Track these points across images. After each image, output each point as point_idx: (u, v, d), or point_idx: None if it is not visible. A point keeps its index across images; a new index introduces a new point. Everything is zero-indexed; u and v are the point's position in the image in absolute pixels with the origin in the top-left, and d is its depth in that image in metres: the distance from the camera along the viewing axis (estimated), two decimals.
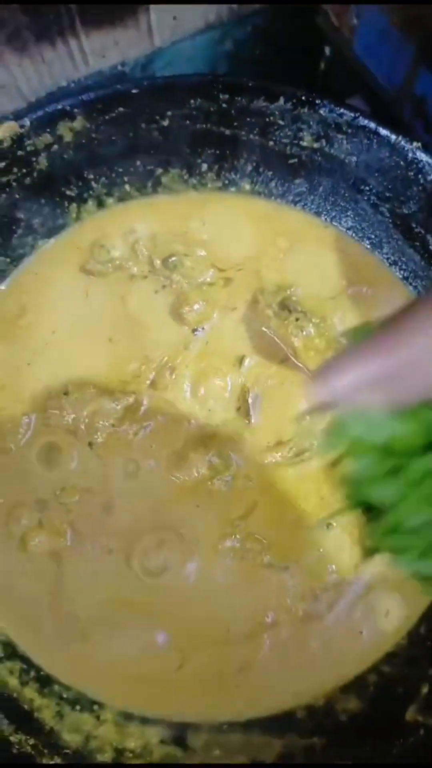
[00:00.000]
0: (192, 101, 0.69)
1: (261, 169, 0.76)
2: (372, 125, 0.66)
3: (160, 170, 0.77)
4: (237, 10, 0.89)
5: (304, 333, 0.70)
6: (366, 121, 0.66)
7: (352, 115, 0.66)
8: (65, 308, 0.75)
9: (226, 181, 0.78)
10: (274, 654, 0.67)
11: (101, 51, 0.83)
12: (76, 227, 0.77)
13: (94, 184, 0.76)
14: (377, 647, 0.67)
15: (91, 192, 0.76)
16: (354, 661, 0.67)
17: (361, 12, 0.86)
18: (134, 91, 0.67)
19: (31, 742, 0.63)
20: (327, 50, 0.99)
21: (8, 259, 0.75)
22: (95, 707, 0.67)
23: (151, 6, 0.82)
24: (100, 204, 0.78)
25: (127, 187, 0.77)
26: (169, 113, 0.71)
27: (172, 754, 0.65)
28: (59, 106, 0.67)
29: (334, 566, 0.69)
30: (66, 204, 0.76)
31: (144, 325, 0.75)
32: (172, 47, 0.88)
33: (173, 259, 0.75)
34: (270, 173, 0.75)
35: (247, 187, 0.78)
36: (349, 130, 0.68)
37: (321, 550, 0.69)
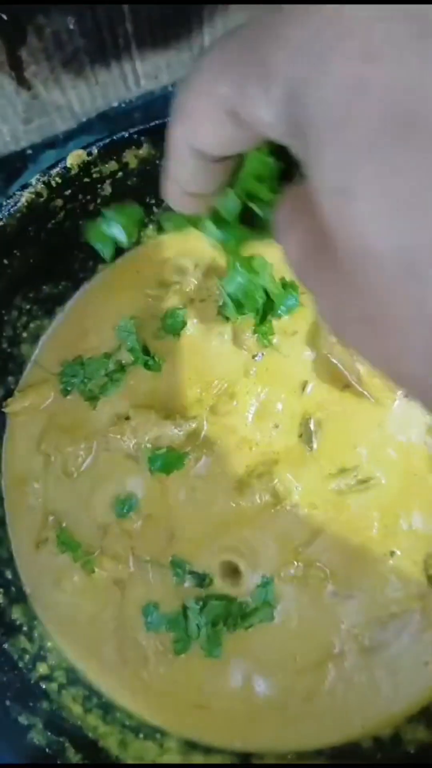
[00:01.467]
0: None
1: None
2: None
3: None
4: None
5: None
6: None
7: None
8: None
9: None
10: (339, 683, 0.67)
11: (154, 72, 0.84)
12: (137, 251, 0.77)
13: (155, 209, 0.76)
14: None
15: (151, 217, 0.76)
16: (420, 691, 0.67)
17: None
18: None
19: None
20: None
21: (70, 283, 0.76)
22: (158, 735, 0.67)
23: (206, 28, 0.82)
24: (161, 229, 0.78)
25: None
26: None
27: None
28: (126, 134, 0.67)
29: (399, 594, 0.68)
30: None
31: (204, 349, 0.75)
32: None
33: None
34: None
35: None
36: None
37: (386, 578, 0.68)
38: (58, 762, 0.62)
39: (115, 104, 0.84)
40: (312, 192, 0.24)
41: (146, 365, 0.72)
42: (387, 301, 0.23)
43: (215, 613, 0.67)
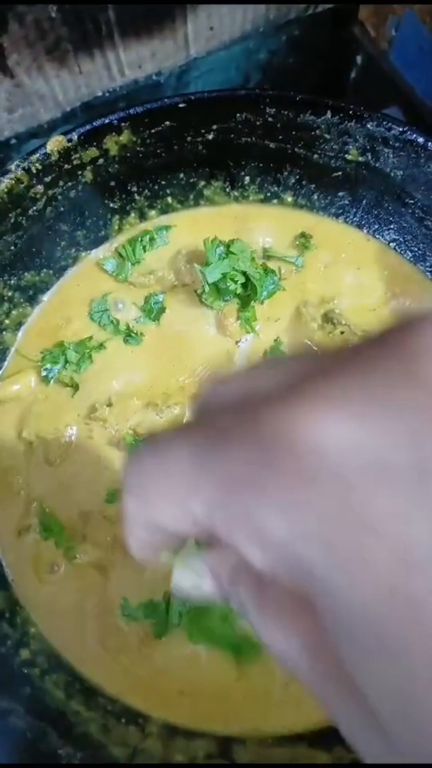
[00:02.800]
0: (238, 115, 0.69)
1: (304, 182, 0.76)
2: (421, 140, 0.66)
3: (202, 183, 0.77)
4: (273, 19, 0.90)
5: None
6: (415, 136, 0.66)
7: (401, 129, 0.66)
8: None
9: (269, 194, 0.78)
10: None
11: (138, 62, 0.84)
12: (119, 239, 0.77)
13: (137, 197, 0.76)
14: None
15: (133, 204, 0.76)
16: None
17: (399, 23, 0.86)
18: (182, 105, 0.67)
19: (79, 755, 0.63)
20: (359, 60, 0.99)
21: (51, 271, 0.76)
22: (140, 720, 0.67)
23: (189, 17, 0.82)
24: (142, 216, 0.78)
25: (169, 199, 0.77)
26: (214, 127, 0.71)
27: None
28: (106, 120, 0.67)
29: None
30: (109, 216, 0.76)
31: (187, 336, 0.75)
32: (207, 57, 0.89)
33: None
34: (313, 186, 0.76)
35: (290, 199, 0.78)
36: (397, 144, 0.68)
37: None
38: (39, 747, 0.62)
39: (99, 94, 0.84)
40: (332, 639, 0.22)
41: (126, 339, 0.73)
42: None
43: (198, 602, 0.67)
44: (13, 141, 0.84)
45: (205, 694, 0.67)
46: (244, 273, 0.68)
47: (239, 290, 0.70)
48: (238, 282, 0.69)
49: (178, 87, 0.89)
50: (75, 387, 0.72)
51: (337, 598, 0.21)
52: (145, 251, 0.77)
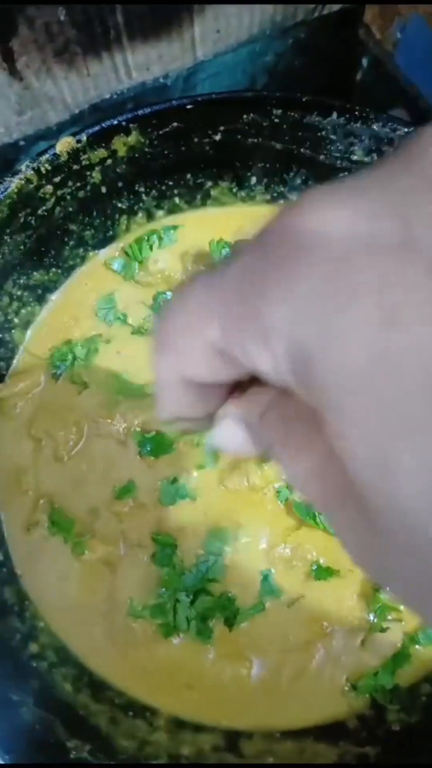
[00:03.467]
0: (245, 116, 0.70)
1: (310, 183, 0.77)
2: None
3: (209, 183, 0.78)
4: (279, 22, 0.91)
5: None
6: None
7: (406, 129, 0.67)
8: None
9: (275, 194, 0.79)
10: (327, 663, 0.68)
11: (145, 64, 0.85)
12: (126, 239, 0.78)
13: (144, 197, 0.77)
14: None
15: (141, 204, 0.77)
16: (407, 670, 0.67)
17: (405, 25, 0.87)
18: (189, 106, 0.68)
19: (87, 747, 0.64)
20: (364, 62, 1.00)
21: (60, 270, 0.77)
22: (148, 714, 0.68)
23: (196, 20, 0.83)
24: (150, 216, 0.79)
25: (176, 199, 0.78)
26: (221, 128, 0.72)
27: (226, 760, 0.66)
28: (115, 122, 0.68)
29: None
30: (117, 216, 0.77)
31: None
32: (214, 60, 0.90)
33: None
34: (319, 186, 0.76)
35: (296, 199, 0.78)
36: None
37: None
38: (48, 739, 0.63)
39: (107, 96, 0.85)
40: (330, 437, 0.22)
41: (133, 333, 0.73)
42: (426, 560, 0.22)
43: (205, 607, 0.68)
44: (22, 143, 0.85)
45: (213, 688, 0.68)
46: None
47: None
48: None
49: (185, 89, 0.90)
50: (83, 385, 0.73)
51: (333, 374, 0.21)
52: (152, 251, 0.78)
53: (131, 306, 0.76)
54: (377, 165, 0.23)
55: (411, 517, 0.21)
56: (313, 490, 0.26)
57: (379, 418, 0.20)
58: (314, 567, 0.69)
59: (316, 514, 0.69)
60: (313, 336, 0.21)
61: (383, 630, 0.67)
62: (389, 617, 0.67)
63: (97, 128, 0.68)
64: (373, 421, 0.21)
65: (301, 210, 0.23)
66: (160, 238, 0.78)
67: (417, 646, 0.67)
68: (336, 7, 0.93)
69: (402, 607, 0.68)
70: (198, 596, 0.67)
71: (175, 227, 0.79)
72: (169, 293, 0.76)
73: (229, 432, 0.30)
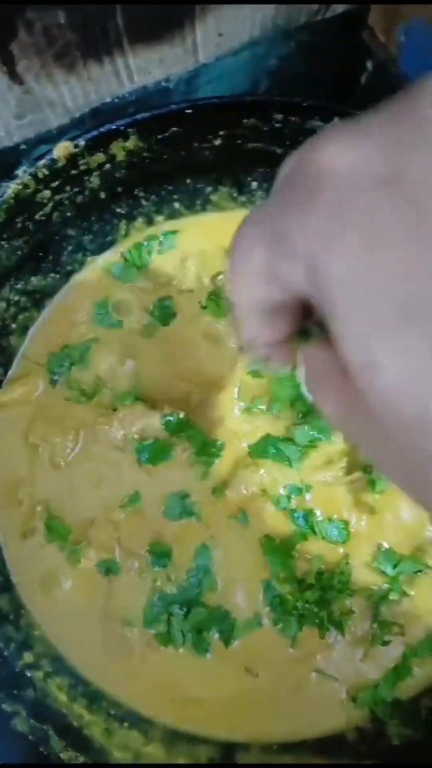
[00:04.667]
0: (246, 121, 0.70)
1: None
2: None
3: (209, 188, 0.77)
4: (282, 26, 0.90)
5: None
6: None
7: None
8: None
9: None
10: (327, 675, 0.67)
11: (147, 68, 0.84)
12: (125, 244, 0.78)
13: (144, 202, 0.76)
14: None
15: (140, 209, 0.77)
16: (408, 684, 0.66)
17: (409, 28, 0.86)
18: (188, 111, 0.67)
19: (81, 759, 0.63)
20: (369, 65, 0.99)
21: (58, 276, 0.76)
22: (143, 725, 0.67)
23: (198, 23, 0.82)
24: (149, 221, 0.78)
25: (176, 204, 0.78)
26: (222, 133, 0.71)
27: None
28: (113, 126, 0.68)
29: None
30: (116, 221, 0.77)
31: (193, 342, 0.75)
32: (216, 63, 0.89)
33: (221, 277, 0.76)
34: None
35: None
36: None
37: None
38: (41, 750, 0.62)
39: (108, 100, 0.84)
40: (340, 355, 0.28)
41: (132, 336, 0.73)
42: (421, 446, 0.27)
43: (200, 620, 0.67)
44: (23, 146, 0.84)
45: (210, 701, 0.67)
46: None
47: None
48: None
49: (187, 93, 0.89)
50: (81, 391, 0.73)
51: (330, 287, 0.27)
52: (151, 256, 0.77)
53: (130, 311, 0.76)
54: (382, 107, 0.28)
55: (396, 401, 0.26)
56: (335, 414, 0.33)
57: (361, 322, 0.26)
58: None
59: (315, 523, 0.68)
60: (318, 253, 0.27)
61: (385, 643, 0.66)
62: (391, 630, 0.66)
63: (95, 133, 0.67)
64: (357, 325, 0.26)
65: (315, 147, 0.28)
66: (160, 243, 0.77)
67: (417, 659, 0.66)
68: (339, 9, 0.92)
69: (403, 620, 0.67)
70: (191, 608, 0.66)
71: (174, 232, 0.78)
72: (170, 299, 0.75)
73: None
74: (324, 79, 1.03)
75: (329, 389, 0.32)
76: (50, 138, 0.84)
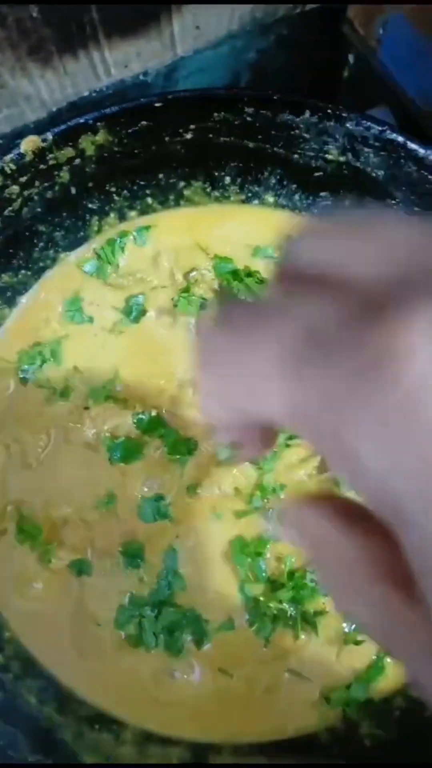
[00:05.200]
0: (216, 114, 0.69)
1: (285, 182, 0.75)
2: (400, 139, 0.65)
3: (182, 183, 0.76)
4: (260, 19, 0.89)
5: None
6: (394, 135, 0.65)
7: (379, 128, 0.65)
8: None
9: (249, 194, 0.77)
10: (301, 675, 0.66)
11: (124, 61, 0.83)
12: (98, 240, 0.77)
13: (116, 197, 0.75)
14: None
15: (112, 205, 0.76)
16: (381, 684, 0.66)
17: (387, 21, 0.85)
18: (158, 104, 0.66)
19: (50, 762, 0.62)
20: (351, 58, 0.98)
21: (29, 272, 0.75)
22: (114, 726, 0.67)
23: (174, 16, 0.81)
24: (122, 217, 0.77)
25: (149, 200, 0.77)
26: (192, 126, 0.70)
27: None
28: (81, 120, 0.66)
29: None
30: (87, 217, 0.76)
31: (166, 339, 0.74)
32: (194, 56, 0.88)
33: (194, 273, 0.75)
34: (294, 186, 0.75)
35: (271, 199, 0.77)
36: (377, 144, 0.67)
37: None
38: (9, 753, 0.61)
39: (86, 94, 0.83)
40: (406, 560, 0.22)
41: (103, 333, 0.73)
42: None
43: (171, 620, 0.66)
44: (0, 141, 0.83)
45: (182, 702, 0.66)
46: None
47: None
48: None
49: (165, 86, 0.88)
50: (52, 389, 0.72)
51: (425, 530, 0.21)
52: (124, 252, 0.76)
53: (102, 309, 0.75)
54: None
55: None
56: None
57: None
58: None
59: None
60: (411, 493, 0.21)
61: (357, 643, 0.66)
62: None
63: (63, 127, 0.66)
64: None
65: (406, 341, 0.21)
66: (132, 239, 0.77)
67: (390, 659, 0.66)
68: (318, 2, 0.91)
69: None
70: (162, 610, 0.65)
71: (147, 228, 0.77)
72: (141, 296, 0.74)
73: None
74: (305, 73, 1.02)
75: (363, 591, 0.25)
76: (27, 132, 0.83)
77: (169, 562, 0.67)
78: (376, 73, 0.92)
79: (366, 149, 0.68)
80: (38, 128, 0.83)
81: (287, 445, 0.68)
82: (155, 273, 0.76)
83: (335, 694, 0.66)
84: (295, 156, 0.72)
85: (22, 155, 0.65)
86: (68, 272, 0.76)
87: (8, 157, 0.65)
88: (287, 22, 0.92)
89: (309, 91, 0.83)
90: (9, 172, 0.66)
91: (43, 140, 0.66)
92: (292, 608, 0.66)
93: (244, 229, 0.77)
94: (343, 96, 1.03)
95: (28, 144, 0.66)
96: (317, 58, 1.01)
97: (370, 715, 0.65)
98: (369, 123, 0.65)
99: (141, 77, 0.86)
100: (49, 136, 0.66)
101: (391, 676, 0.66)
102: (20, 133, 0.83)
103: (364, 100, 0.89)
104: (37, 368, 0.72)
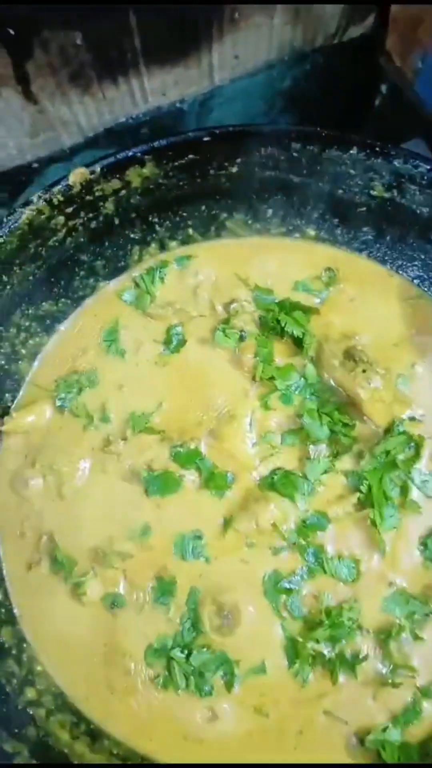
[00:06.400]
0: (263, 149, 0.69)
1: (327, 216, 0.75)
2: None
3: (224, 215, 0.76)
4: (298, 48, 0.89)
5: (372, 385, 0.69)
6: None
7: (428, 167, 0.65)
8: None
9: (291, 227, 0.77)
10: (336, 716, 0.65)
11: (162, 89, 0.83)
12: (138, 269, 0.77)
13: (158, 228, 0.75)
14: None
15: (154, 235, 0.76)
16: (417, 727, 0.65)
17: (426, 55, 0.85)
18: (206, 139, 0.66)
19: None
20: (383, 89, 0.98)
21: (69, 300, 0.75)
22: (145, 764, 0.66)
23: (215, 45, 0.82)
24: (163, 247, 0.77)
25: (190, 230, 0.77)
26: (238, 160, 0.70)
27: None
28: (130, 153, 0.66)
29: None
30: (129, 246, 0.76)
31: (204, 371, 0.74)
32: (230, 85, 0.88)
33: (234, 305, 0.74)
34: (336, 220, 0.75)
35: (312, 233, 0.77)
36: (423, 182, 0.67)
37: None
38: None
39: (122, 120, 0.84)
40: None
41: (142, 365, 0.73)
42: None
43: (202, 662, 0.65)
44: (35, 165, 0.83)
45: (214, 740, 0.65)
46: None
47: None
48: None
49: (200, 113, 0.88)
50: (90, 419, 0.71)
51: None
52: (163, 282, 0.76)
53: (140, 339, 0.74)
54: None
55: None
56: None
57: None
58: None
59: (325, 560, 0.67)
60: None
61: (396, 685, 0.65)
62: (403, 672, 0.65)
63: (111, 159, 0.66)
64: None
65: None
66: (172, 269, 0.76)
67: (426, 704, 0.65)
68: (356, 33, 0.91)
69: (415, 662, 0.65)
70: (191, 651, 0.65)
71: (188, 257, 0.77)
72: (180, 327, 0.74)
73: None
74: (338, 102, 1.02)
75: None
76: (63, 157, 0.83)
77: (191, 604, 0.66)
78: (411, 105, 0.92)
79: (413, 186, 0.68)
80: (74, 153, 0.83)
81: (321, 483, 0.68)
82: (194, 303, 0.76)
83: (370, 737, 0.65)
84: (340, 191, 0.72)
85: (70, 187, 0.65)
86: (107, 301, 0.76)
87: (56, 189, 0.65)
88: (324, 52, 0.92)
89: (340, 119, 0.83)
90: (56, 203, 0.66)
91: (92, 172, 0.66)
92: (328, 649, 0.65)
93: (285, 262, 0.77)
94: (373, 126, 1.03)
95: (77, 176, 0.66)
96: (350, 88, 1.01)
97: (406, 758, 0.64)
98: (418, 161, 0.65)
99: (177, 105, 0.86)
100: (98, 168, 0.66)
101: (428, 719, 0.65)
102: (57, 158, 0.83)
103: (393, 130, 0.89)
104: (75, 396, 0.72)
